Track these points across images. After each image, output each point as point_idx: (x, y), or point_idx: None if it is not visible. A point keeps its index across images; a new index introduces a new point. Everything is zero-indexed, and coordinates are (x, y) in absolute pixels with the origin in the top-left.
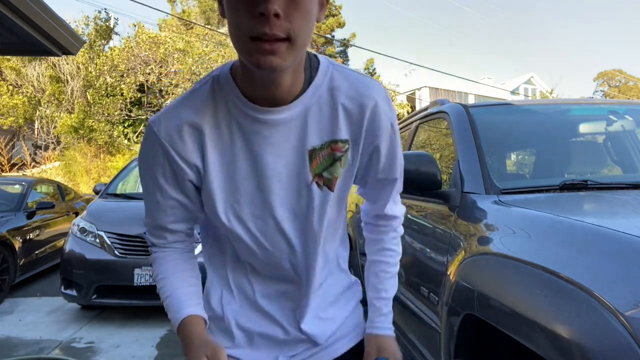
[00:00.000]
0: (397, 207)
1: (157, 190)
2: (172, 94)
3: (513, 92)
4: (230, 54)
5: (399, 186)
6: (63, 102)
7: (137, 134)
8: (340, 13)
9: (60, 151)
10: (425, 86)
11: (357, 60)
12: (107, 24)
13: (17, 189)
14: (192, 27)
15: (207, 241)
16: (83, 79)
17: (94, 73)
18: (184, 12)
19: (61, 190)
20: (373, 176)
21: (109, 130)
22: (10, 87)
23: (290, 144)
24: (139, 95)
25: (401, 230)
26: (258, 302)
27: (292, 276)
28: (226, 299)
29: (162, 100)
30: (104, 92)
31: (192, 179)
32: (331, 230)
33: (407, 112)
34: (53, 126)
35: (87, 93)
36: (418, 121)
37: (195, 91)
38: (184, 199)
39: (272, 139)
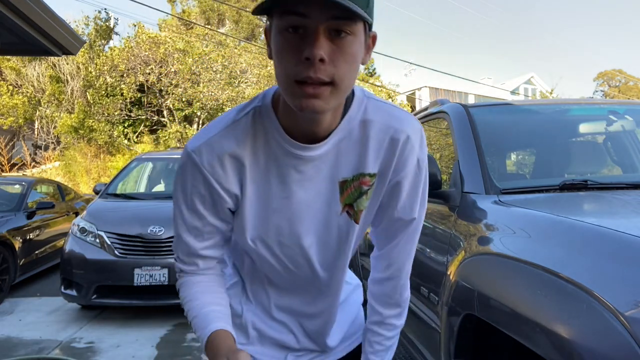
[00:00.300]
0: (407, 262)
1: (195, 217)
2: (172, 93)
3: (513, 92)
4: (230, 54)
5: (415, 234)
6: (63, 102)
7: (137, 134)
8: None
9: (60, 151)
10: (425, 86)
11: None
12: (107, 24)
13: (17, 189)
14: (192, 27)
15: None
16: (83, 79)
17: (94, 73)
18: (184, 12)
19: (61, 190)
20: (390, 214)
21: (109, 130)
22: (10, 87)
23: (323, 176)
24: (139, 95)
25: (406, 304)
26: (273, 312)
27: (310, 292)
28: (244, 301)
29: (162, 100)
30: (104, 92)
31: (230, 206)
32: (354, 250)
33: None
34: (53, 126)
35: (87, 93)
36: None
37: (237, 122)
38: (221, 224)
39: (307, 173)
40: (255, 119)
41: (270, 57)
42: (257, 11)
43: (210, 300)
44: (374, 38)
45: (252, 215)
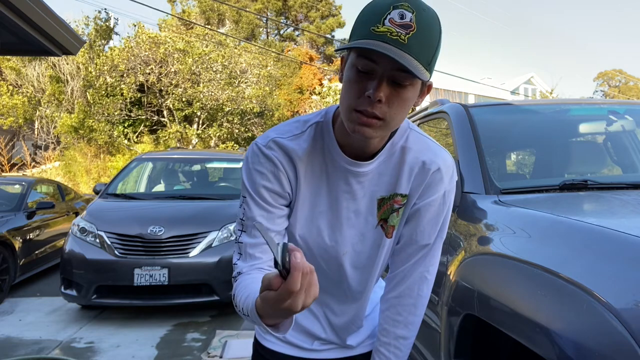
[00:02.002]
0: (419, 285)
1: (265, 203)
2: (172, 93)
3: (513, 92)
4: (230, 54)
5: (429, 259)
6: (63, 102)
7: (137, 134)
8: (340, 13)
9: (60, 151)
10: None
11: None
12: (107, 24)
13: (17, 189)
14: (192, 27)
15: None
16: (83, 79)
17: (94, 73)
18: (184, 12)
19: (61, 190)
20: (407, 235)
21: (109, 130)
22: (10, 87)
23: (364, 192)
24: (139, 95)
25: (414, 326)
26: None
27: (338, 294)
28: None
29: (162, 100)
30: (104, 92)
31: (290, 195)
32: (384, 264)
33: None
34: (53, 126)
35: (87, 93)
36: (418, 121)
37: (303, 133)
38: (286, 210)
39: (352, 186)
40: (316, 131)
41: (341, 81)
42: (340, 48)
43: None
44: (430, 87)
45: (303, 213)
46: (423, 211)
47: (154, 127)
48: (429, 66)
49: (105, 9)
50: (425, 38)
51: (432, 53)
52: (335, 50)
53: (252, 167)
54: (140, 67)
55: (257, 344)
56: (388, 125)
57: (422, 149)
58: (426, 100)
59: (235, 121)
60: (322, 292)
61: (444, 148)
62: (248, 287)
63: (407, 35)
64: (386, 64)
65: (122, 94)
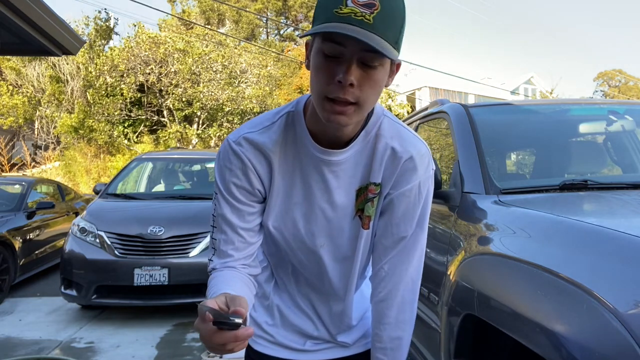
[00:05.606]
0: (404, 283)
1: (235, 200)
2: (172, 93)
3: (513, 92)
4: (230, 54)
5: (410, 253)
6: (63, 102)
7: (137, 134)
8: None
9: (60, 151)
10: (425, 86)
11: None
12: (107, 24)
13: (17, 189)
14: (192, 27)
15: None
16: (83, 79)
17: (94, 73)
18: (184, 12)
19: (61, 190)
20: (383, 226)
21: (109, 130)
22: (10, 87)
23: (339, 182)
24: (139, 95)
25: (407, 325)
26: (297, 298)
27: (325, 289)
28: (273, 285)
29: (162, 100)
30: (104, 92)
31: (262, 192)
32: (366, 258)
33: (407, 112)
34: (53, 126)
35: (87, 93)
36: (418, 121)
37: (273, 124)
38: (258, 206)
39: (325, 176)
40: (287, 122)
41: (308, 68)
42: (304, 34)
43: (236, 282)
44: (398, 66)
45: (276, 205)
46: (397, 202)
47: (154, 127)
48: (397, 44)
49: (105, 9)
50: (390, 16)
51: (398, 30)
52: (300, 37)
53: (222, 163)
54: (140, 67)
55: (248, 348)
56: (362, 109)
57: (393, 136)
58: (426, 100)
59: (235, 121)
60: (306, 288)
61: (419, 137)
62: (217, 285)
63: (372, 15)
64: (354, 46)
65: (122, 94)
